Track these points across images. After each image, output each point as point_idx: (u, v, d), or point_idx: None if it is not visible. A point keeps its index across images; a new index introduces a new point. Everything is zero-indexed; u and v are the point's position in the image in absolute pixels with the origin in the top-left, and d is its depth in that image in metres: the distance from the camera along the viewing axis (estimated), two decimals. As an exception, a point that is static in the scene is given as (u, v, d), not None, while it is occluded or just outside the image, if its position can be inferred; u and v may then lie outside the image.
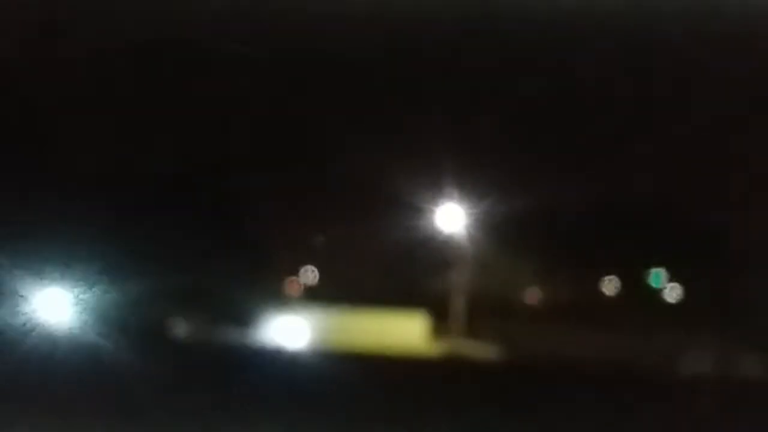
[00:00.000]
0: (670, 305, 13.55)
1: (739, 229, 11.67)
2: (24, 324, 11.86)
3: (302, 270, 13.32)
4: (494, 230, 15.30)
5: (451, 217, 14.16)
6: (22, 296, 12.24)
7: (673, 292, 11.35)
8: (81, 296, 12.48)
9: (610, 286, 12.23)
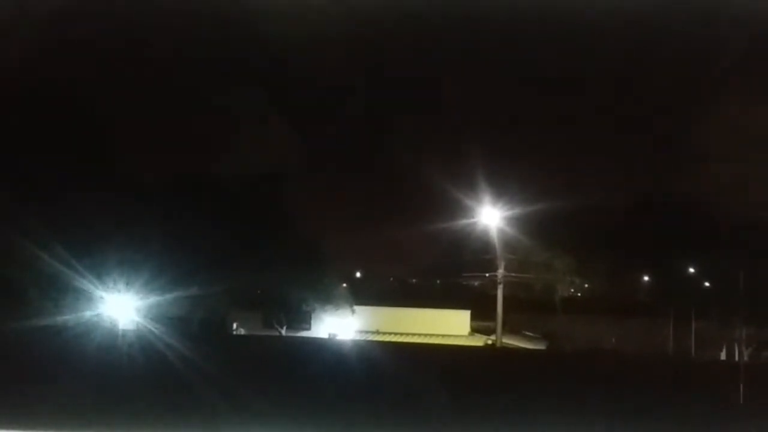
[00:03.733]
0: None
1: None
2: (93, 323, 12.59)
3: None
4: (532, 229, 15.81)
5: (492, 217, 14.67)
6: (92, 298, 12.99)
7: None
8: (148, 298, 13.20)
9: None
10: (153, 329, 16.41)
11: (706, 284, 21.63)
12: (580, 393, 10.46)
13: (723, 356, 20.81)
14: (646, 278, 22.60)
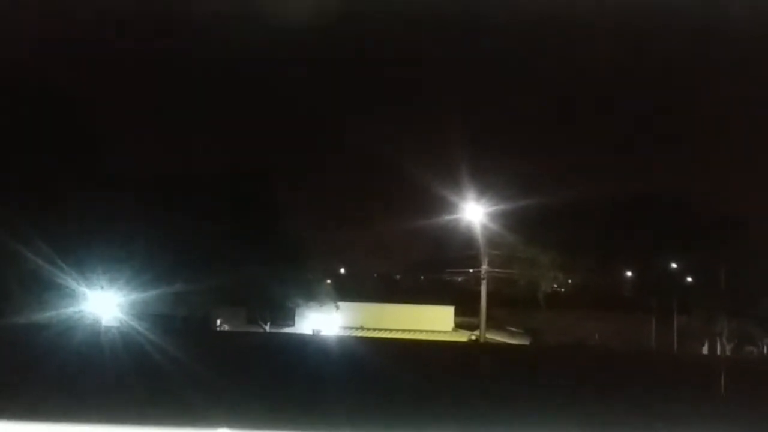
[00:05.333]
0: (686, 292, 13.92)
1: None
2: (78, 319, 12.39)
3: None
4: (516, 225, 15.62)
5: (476, 213, 14.53)
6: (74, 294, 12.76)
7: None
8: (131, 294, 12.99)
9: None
10: (136, 326, 16.25)
11: (689, 279, 21.74)
12: (563, 388, 10.42)
13: (705, 351, 20.91)
14: (629, 273, 22.70)
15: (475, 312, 21.06)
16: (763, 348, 20.17)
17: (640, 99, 19.47)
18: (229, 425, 4.27)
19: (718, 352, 19.85)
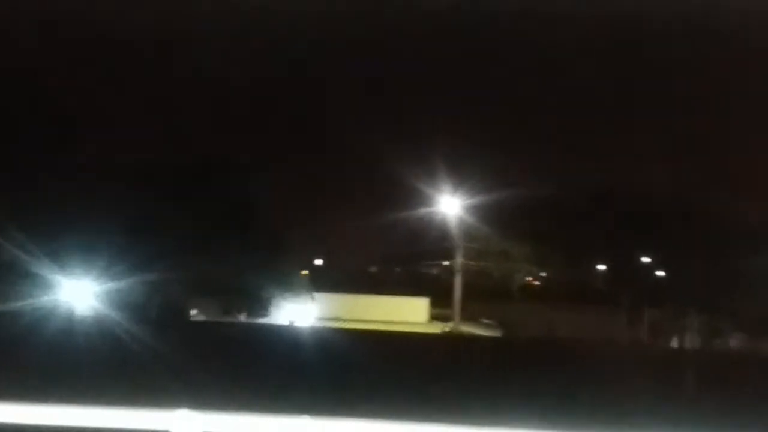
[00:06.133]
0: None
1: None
2: (49, 308, 12.25)
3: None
4: (491, 218, 15.66)
5: (451, 205, 14.55)
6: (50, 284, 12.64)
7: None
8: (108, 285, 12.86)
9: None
10: (111, 315, 16.13)
11: (660, 273, 21.87)
12: (532, 379, 10.48)
13: (675, 344, 21.07)
14: (601, 267, 22.84)
15: (450, 304, 21.24)
16: (730, 341, 20.39)
17: (613, 91, 19.56)
18: (194, 407, 4.27)
19: (688, 345, 20.03)
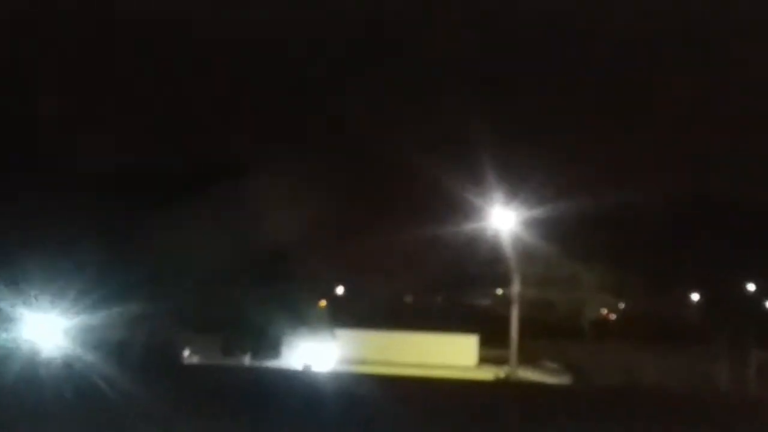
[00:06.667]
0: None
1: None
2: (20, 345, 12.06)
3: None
4: (555, 234, 14.83)
5: (505, 219, 13.81)
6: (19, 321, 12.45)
7: None
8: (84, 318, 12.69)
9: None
10: (84, 357, 15.85)
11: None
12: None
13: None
14: (695, 297, 22.41)
15: (505, 343, 20.91)
16: None
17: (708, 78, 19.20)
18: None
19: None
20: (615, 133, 19.55)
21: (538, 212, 18.71)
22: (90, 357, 16.32)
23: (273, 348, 21.30)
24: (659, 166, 19.22)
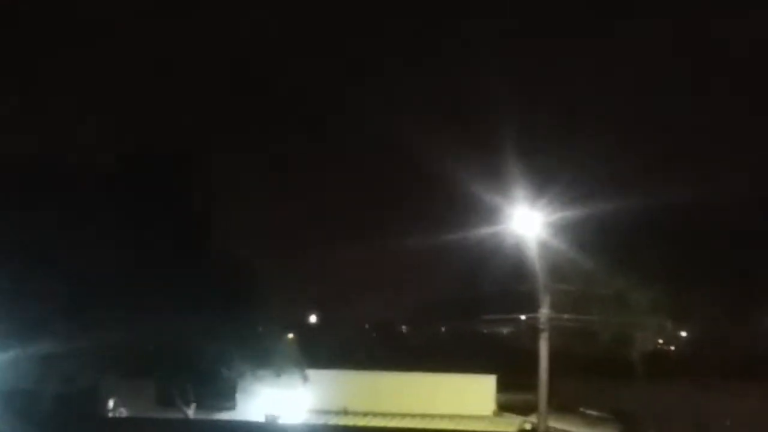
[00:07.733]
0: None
1: None
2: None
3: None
4: (594, 243, 17.05)
5: (528, 223, 15.69)
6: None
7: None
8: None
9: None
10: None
11: None
12: None
13: None
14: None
15: (530, 384, 20.45)
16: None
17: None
18: None
19: None
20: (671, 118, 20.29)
21: (570, 214, 18.59)
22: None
23: (225, 395, 21.33)
24: (723, 153, 19.90)
